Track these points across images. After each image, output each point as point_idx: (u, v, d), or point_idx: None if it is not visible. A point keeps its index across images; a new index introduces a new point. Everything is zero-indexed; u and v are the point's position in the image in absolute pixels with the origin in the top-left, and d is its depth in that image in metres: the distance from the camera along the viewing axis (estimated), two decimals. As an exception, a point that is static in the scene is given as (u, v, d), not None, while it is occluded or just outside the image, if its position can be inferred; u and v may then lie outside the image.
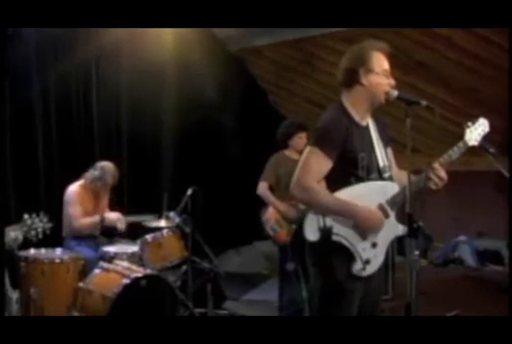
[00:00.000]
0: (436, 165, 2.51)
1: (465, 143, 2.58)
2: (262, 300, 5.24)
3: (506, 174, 3.97)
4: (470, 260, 6.55)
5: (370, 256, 2.48)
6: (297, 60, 6.67)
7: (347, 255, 2.45)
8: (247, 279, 6.10)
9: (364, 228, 2.44)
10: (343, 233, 2.43)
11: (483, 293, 5.38)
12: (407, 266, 2.32)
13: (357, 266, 2.45)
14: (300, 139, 4.51)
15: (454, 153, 2.55)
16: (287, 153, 4.58)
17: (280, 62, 6.87)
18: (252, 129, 6.89)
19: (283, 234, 4.32)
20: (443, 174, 2.50)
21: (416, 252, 2.29)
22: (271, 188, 4.50)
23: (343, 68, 2.57)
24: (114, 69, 5.40)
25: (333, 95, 6.83)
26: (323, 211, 2.42)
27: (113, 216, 4.37)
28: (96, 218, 4.33)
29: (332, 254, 2.44)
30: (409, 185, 2.35)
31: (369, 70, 2.50)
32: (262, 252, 6.96)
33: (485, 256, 6.56)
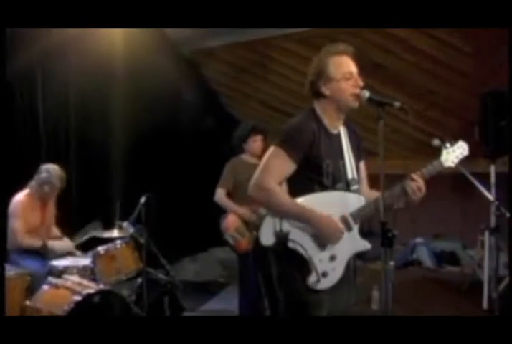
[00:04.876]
0: (415, 176, 2.40)
1: (440, 164, 2.48)
2: (222, 310, 5.08)
3: (468, 176, 3.99)
4: (427, 262, 6.61)
5: (327, 269, 2.36)
6: (251, 62, 6.57)
7: (302, 265, 2.33)
8: (203, 288, 5.93)
9: (321, 237, 2.33)
10: (299, 241, 2.31)
11: (442, 294, 5.41)
12: (382, 276, 2.21)
13: (312, 278, 2.32)
14: (255, 142, 4.35)
15: (428, 171, 2.44)
16: (244, 157, 4.42)
17: (234, 64, 6.76)
18: (207, 133, 6.73)
19: (244, 243, 4.17)
20: (422, 185, 2.39)
21: (392, 263, 2.18)
22: (229, 195, 4.33)
23: (307, 81, 2.50)
24: (61, 70, 5.15)
25: (288, 98, 6.79)
26: (280, 213, 2.32)
27: (57, 247, 4.14)
28: (37, 243, 4.08)
29: (287, 261, 2.34)
30: (383, 192, 2.23)
31: (329, 79, 2.42)
32: (218, 259, 6.86)
33: (442, 258, 6.64)
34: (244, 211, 4.19)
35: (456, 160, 2.50)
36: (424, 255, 6.60)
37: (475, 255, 5.88)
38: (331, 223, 2.32)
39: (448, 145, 2.50)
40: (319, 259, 2.34)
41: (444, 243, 6.74)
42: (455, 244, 6.69)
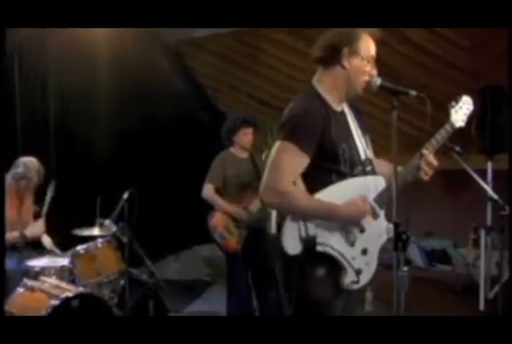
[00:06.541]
0: (425, 151, 2.21)
1: (452, 125, 2.30)
2: (208, 311, 4.89)
3: (472, 173, 3.83)
4: (418, 260, 6.49)
5: (361, 265, 2.17)
6: (239, 53, 6.38)
7: (335, 267, 2.13)
8: (188, 287, 5.75)
9: (351, 224, 2.13)
10: (328, 242, 2.10)
11: (435, 295, 5.30)
12: (394, 283, 2.01)
13: (349, 278, 2.14)
14: (246, 135, 4.15)
15: (442, 136, 2.27)
16: (233, 151, 4.22)
17: (221, 55, 6.56)
18: (193, 126, 6.53)
19: (233, 242, 3.97)
20: (433, 160, 2.21)
21: (405, 268, 1.99)
22: (217, 191, 4.11)
23: (324, 42, 2.21)
24: (39, 58, 4.95)
25: (277, 91, 6.61)
26: (303, 217, 2.07)
27: (35, 232, 3.92)
28: (15, 234, 3.84)
29: (317, 267, 2.11)
30: (396, 186, 2.03)
31: (354, 52, 2.16)
32: (202, 257, 6.75)
33: (432, 256, 6.54)
34: (234, 208, 3.99)
35: (465, 118, 2.35)
36: (414, 254, 6.47)
37: (466, 254, 5.77)
38: (358, 207, 2.11)
39: (453, 103, 2.34)
40: (352, 256, 2.14)
41: (434, 241, 6.64)
42: (446, 242, 6.60)
